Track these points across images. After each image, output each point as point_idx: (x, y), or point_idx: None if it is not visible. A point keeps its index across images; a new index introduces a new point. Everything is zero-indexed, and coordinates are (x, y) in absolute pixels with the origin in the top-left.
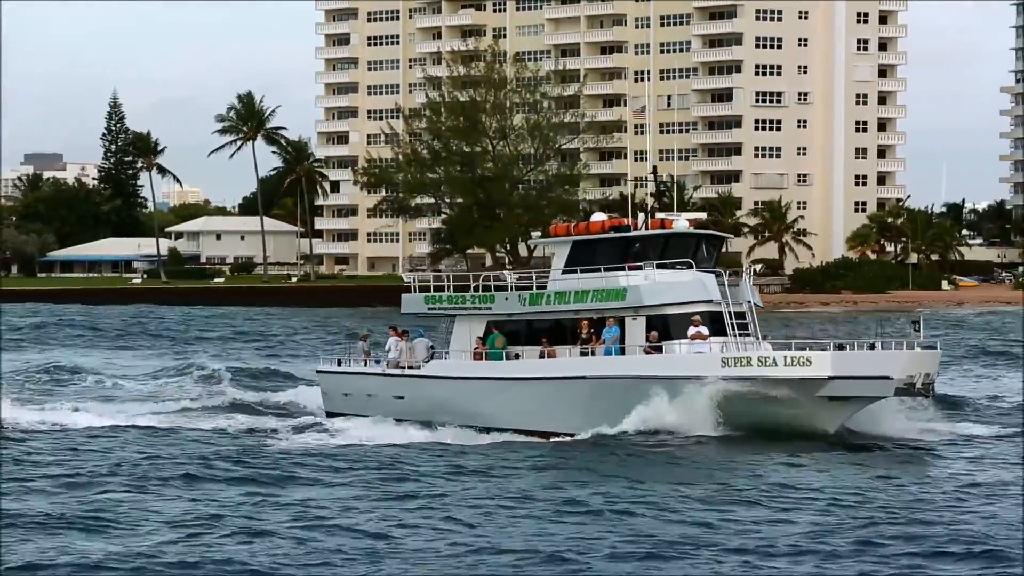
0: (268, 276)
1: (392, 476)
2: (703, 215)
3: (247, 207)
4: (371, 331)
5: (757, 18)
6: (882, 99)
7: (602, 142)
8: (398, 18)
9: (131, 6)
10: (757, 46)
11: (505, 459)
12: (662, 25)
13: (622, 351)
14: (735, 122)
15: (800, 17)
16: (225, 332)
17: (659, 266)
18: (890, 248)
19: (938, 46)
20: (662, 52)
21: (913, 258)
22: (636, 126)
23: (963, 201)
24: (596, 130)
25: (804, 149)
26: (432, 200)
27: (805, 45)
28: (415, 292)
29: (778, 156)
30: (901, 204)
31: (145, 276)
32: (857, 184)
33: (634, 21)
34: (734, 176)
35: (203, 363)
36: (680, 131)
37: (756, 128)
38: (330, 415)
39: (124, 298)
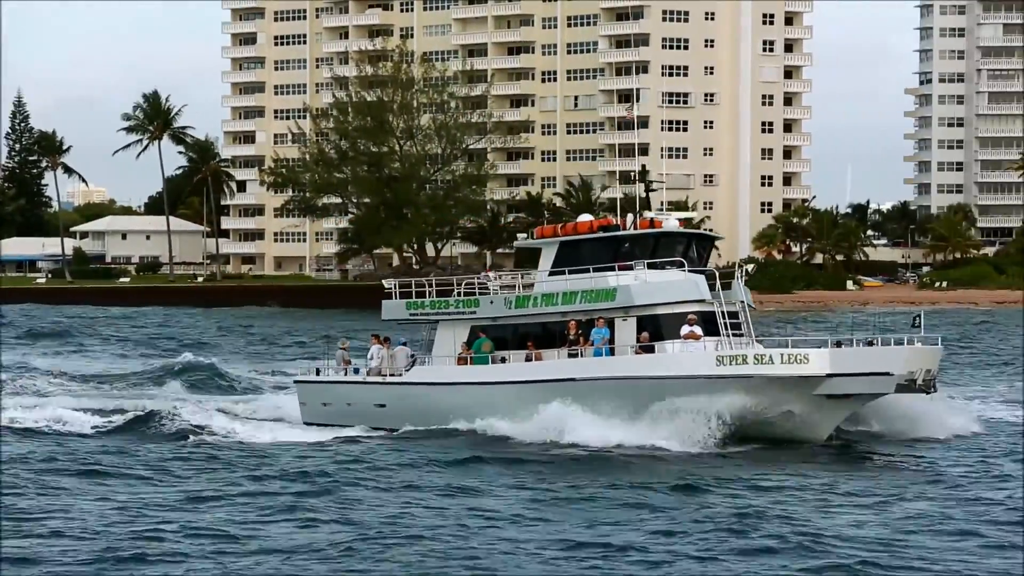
0: (174, 276)
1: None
2: (694, 214)
3: (153, 207)
4: (349, 338)
5: (664, 19)
6: (788, 100)
7: (509, 142)
8: (305, 17)
9: (35, 5)
10: (664, 47)
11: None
12: (569, 26)
13: (612, 352)
14: (642, 123)
15: (706, 18)
16: (151, 331)
17: (650, 266)
18: (796, 248)
19: (843, 47)
20: (569, 53)
21: (819, 258)
22: (542, 126)
23: (868, 202)
24: (503, 130)
25: (711, 150)
26: (339, 200)
27: (711, 46)
28: (396, 298)
29: (685, 157)
30: (807, 205)
31: (50, 276)
32: (763, 185)
33: (541, 22)
34: (641, 176)
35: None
36: (587, 132)
37: (663, 129)
38: (308, 425)
39: (28, 298)
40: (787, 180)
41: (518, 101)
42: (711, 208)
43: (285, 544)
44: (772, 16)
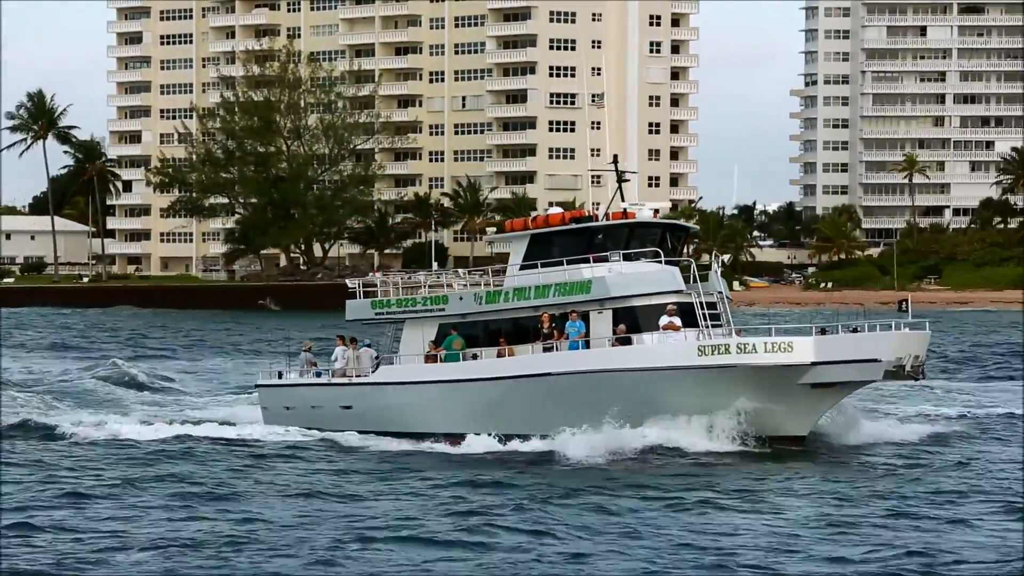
0: (59, 276)
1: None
2: (667, 204)
3: (37, 206)
4: (314, 339)
5: (551, 20)
6: (675, 101)
7: (397, 143)
8: (191, 17)
9: None
10: (551, 48)
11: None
12: (457, 26)
13: (587, 345)
14: (529, 123)
15: (593, 19)
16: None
17: (624, 257)
18: (683, 249)
19: (730, 49)
20: (457, 53)
21: (705, 259)
22: (430, 127)
23: (754, 203)
24: (391, 131)
25: (598, 151)
26: (226, 200)
27: (599, 47)
28: (360, 297)
29: (572, 157)
30: (693, 205)
31: None
32: (650, 185)
33: (429, 22)
34: (528, 177)
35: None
36: (475, 132)
37: (550, 129)
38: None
39: None
40: (674, 181)
41: (406, 101)
42: (599, 209)
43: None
44: (659, 17)
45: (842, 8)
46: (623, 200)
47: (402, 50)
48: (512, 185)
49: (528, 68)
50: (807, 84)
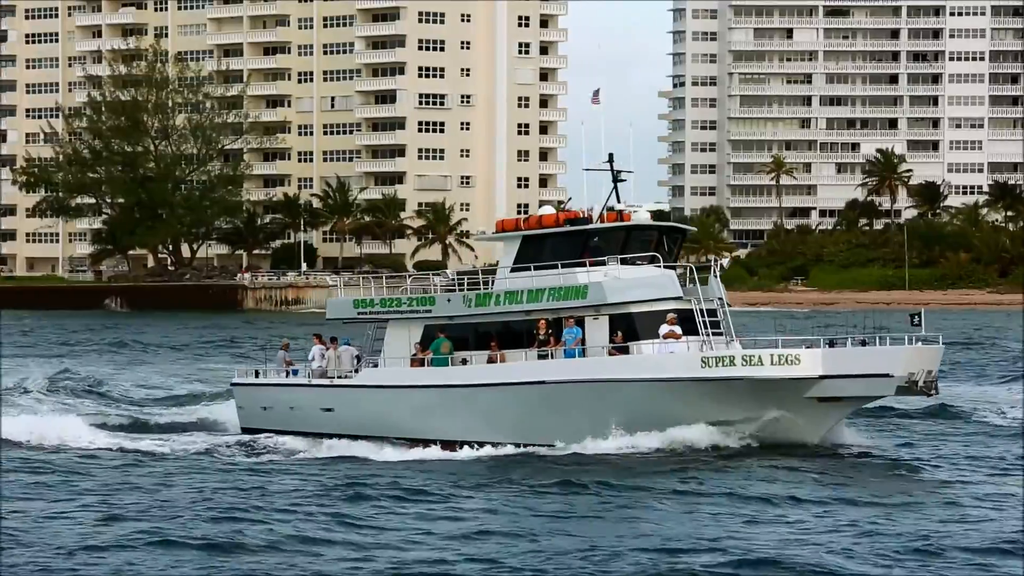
0: None
1: None
2: (664, 205)
3: None
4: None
5: (420, 20)
6: (544, 102)
7: (266, 143)
8: (57, 15)
9: None
10: (420, 48)
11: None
12: (325, 26)
13: (583, 353)
14: (399, 124)
15: (462, 20)
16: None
17: (621, 261)
18: None
19: (599, 49)
20: (325, 53)
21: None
22: (299, 127)
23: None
24: (260, 131)
25: (467, 151)
26: (93, 200)
27: (468, 48)
28: (341, 295)
29: (441, 158)
30: (563, 207)
31: None
32: (520, 186)
33: (297, 22)
34: (398, 178)
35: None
36: (344, 132)
37: (420, 130)
38: (247, 431)
39: None
40: (543, 182)
41: (274, 101)
42: (467, 209)
43: None
44: (527, 18)
45: (709, 10)
46: (618, 200)
47: (270, 50)
48: (382, 186)
49: (397, 69)
50: (675, 86)
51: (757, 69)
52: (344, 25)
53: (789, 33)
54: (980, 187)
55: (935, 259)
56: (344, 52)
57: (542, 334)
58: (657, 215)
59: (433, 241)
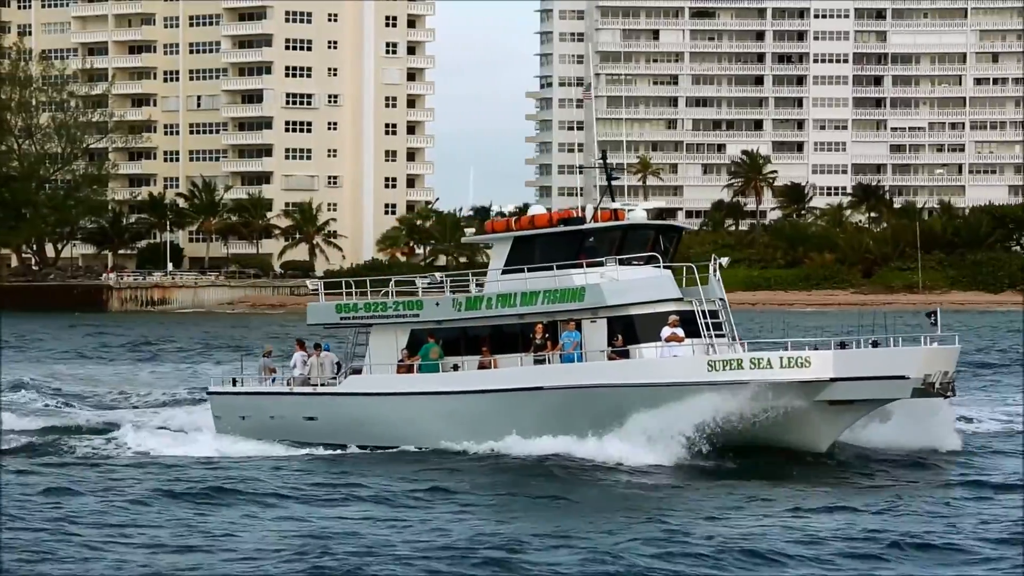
0: None
1: None
2: (662, 203)
3: None
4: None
5: (287, 20)
6: (411, 102)
7: (131, 142)
8: None
9: None
10: (287, 48)
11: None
12: (191, 25)
13: (582, 357)
14: (265, 123)
15: (329, 20)
16: None
17: (619, 262)
18: (419, 250)
19: (466, 50)
20: (191, 52)
21: (442, 260)
22: (165, 126)
23: (490, 204)
24: (125, 130)
25: (334, 151)
26: None
27: (335, 47)
28: (322, 300)
29: (309, 158)
30: (430, 206)
31: None
32: (387, 187)
33: (163, 21)
34: (265, 177)
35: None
36: (210, 132)
37: (287, 130)
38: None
39: None
40: (411, 182)
41: (140, 100)
42: (335, 209)
43: None
44: (395, 19)
45: (576, 11)
46: (613, 199)
47: (136, 49)
48: (248, 185)
49: (264, 68)
50: (542, 86)
51: (624, 70)
52: (210, 24)
53: (656, 34)
54: (844, 188)
55: (800, 260)
56: (210, 51)
57: (539, 338)
58: (653, 215)
59: (300, 241)
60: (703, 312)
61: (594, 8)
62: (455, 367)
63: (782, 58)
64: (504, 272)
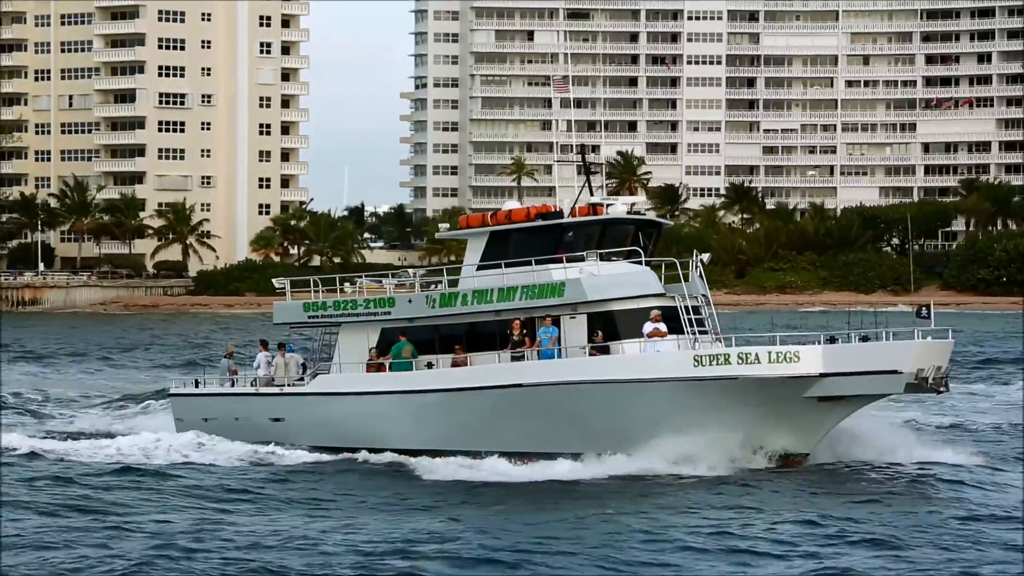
0: None
1: None
2: (641, 199)
3: None
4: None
5: (160, 19)
6: (285, 102)
7: (2, 141)
8: None
9: None
10: (160, 47)
11: None
12: (63, 24)
13: (561, 354)
14: (138, 123)
15: (203, 19)
16: None
17: (601, 257)
18: (293, 251)
19: (341, 50)
20: (63, 51)
21: (316, 260)
22: (36, 126)
23: (363, 204)
24: None
25: (208, 151)
26: None
27: (208, 47)
28: (289, 299)
29: (182, 158)
30: (304, 207)
31: None
32: (261, 187)
33: (34, 19)
34: (137, 177)
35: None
36: (82, 131)
37: (160, 130)
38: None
39: None
40: (285, 182)
41: (10, 100)
42: (209, 210)
43: None
44: (269, 18)
45: (451, 12)
46: (591, 194)
47: (6, 47)
48: (121, 185)
49: (136, 67)
50: (417, 87)
51: (499, 71)
52: (82, 23)
53: (530, 35)
54: (717, 189)
55: None
56: (82, 50)
57: (516, 335)
58: (633, 210)
59: (173, 241)
60: (686, 308)
61: (469, 9)
62: (429, 366)
63: (656, 60)
64: (479, 268)
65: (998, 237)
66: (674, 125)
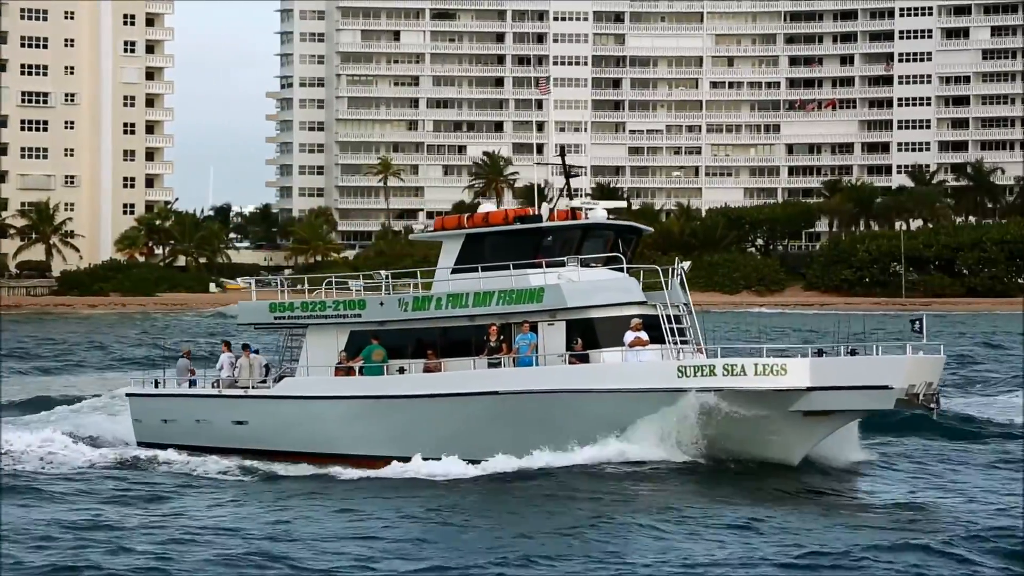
0: None
1: None
2: (623, 203)
3: None
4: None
5: (22, 17)
6: (150, 101)
7: None
8: None
9: None
10: (23, 45)
11: None
12: None
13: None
14: (1, 122)
15: (66, 17)
16: None
17: (582, 263)
18: (158, 251)
19: (206, 49)
20: None
21: (182, 260)
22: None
23: (228, 204)
24: None
25: (72, 150)
26: None
27: (72, 45)
28: (254, 299)
29: (45, 157)
30: (169, 207)
31: None
32: (125, 186)
33: None
34: (0, 176)
35: None
36: None
37: (22, 128)
38: (143, 446)
39: None
40: (150, 182)
41: None
42: (72, 209)
43: None
44: (133, 17)
45: (316, 11)
46: (571, 198)
47: None
48: None
49: None
50: (283, 86)
51: (365, 71)
52: None
53: (396, 35)
54: (583, 190)
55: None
56: None
57: (493, 341)
58: (614, 214)
59: (36, 241)
60: (668, 317)
61: (335, 8)
62: (401, 370)
63: (522, 60)
64: (454, 271)
65: (861, 238)
66: (540, 126)
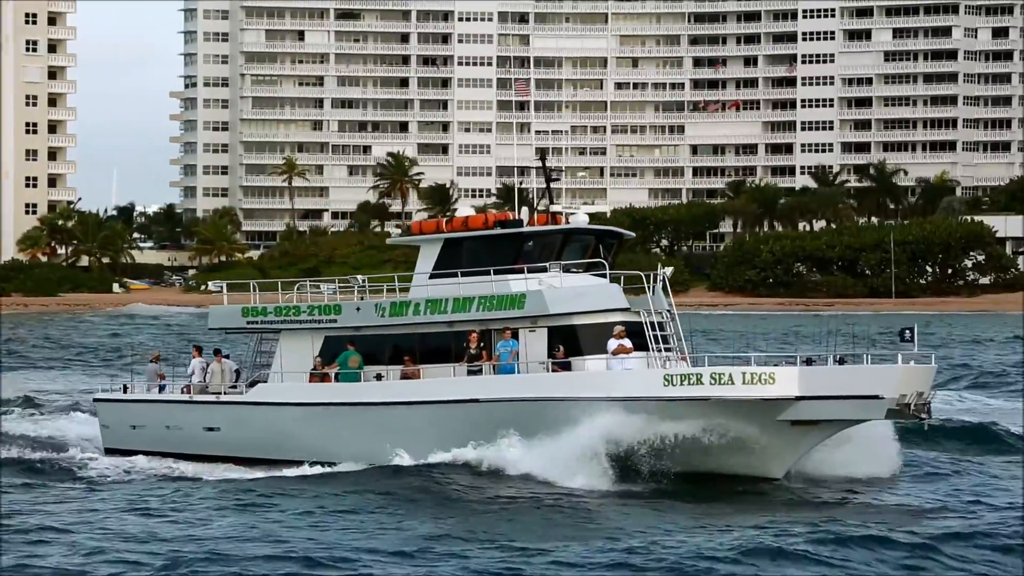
0: None
1: None
2: (605, 208)
3: None
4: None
5: None
6: (52, 101)
7: None
8: None
9: None
10: None
11: None
12: None
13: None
14: None
15: None
16: None
17: (565, 268)
18: (61, 251)
19: (110, 48)
20: None
21: (85, 260)
22: None
23: (132, 204)
24: None
25: None
26: None
27: None
28: (226, 303)
29: None
30: (72, 207)
31: None
32: (28, 186)
33: None
34: None
35: None
36: None
37: None
38: (111, 452)
39: None
40: (52, 182)
41: None
42: None
43: None
44: (35, 16)
45: (220, 11)
46: (551, 202)
47: None
48: None
49: None
50: (187, 86)
51: (269, 71)
52: None
53: (301, 35)
54: (488, 190)
55: None
56: None
57: (473, 347)
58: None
59: None
60: (652, 324)
61: (239, 8)
62: (378, 377)
63: (427, 60)
64: (432, 276)
65: (765, 239)
66: (445, 126)
